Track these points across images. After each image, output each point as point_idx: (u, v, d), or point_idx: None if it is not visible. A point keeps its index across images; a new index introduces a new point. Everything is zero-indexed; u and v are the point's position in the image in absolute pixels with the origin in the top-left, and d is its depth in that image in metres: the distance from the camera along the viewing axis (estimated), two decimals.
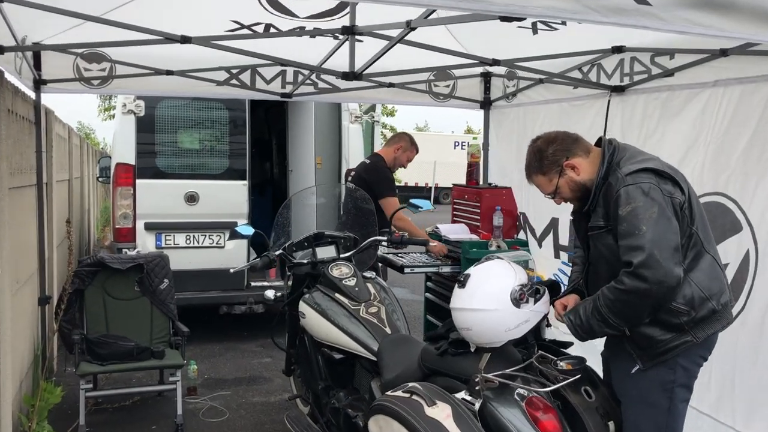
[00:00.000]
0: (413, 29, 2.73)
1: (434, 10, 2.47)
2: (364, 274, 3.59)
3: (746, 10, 2.16)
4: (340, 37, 3.47)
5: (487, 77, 5.34)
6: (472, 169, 5.19)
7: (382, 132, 18.61)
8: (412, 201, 3.71)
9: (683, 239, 2.27)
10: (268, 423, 4.24)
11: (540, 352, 2.53)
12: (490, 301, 2.36)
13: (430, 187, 24.51)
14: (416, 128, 37.28)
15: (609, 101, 3.98)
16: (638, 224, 2.19)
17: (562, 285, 2.83)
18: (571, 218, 2.69)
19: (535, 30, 3.90)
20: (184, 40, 3.27)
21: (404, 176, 23.39)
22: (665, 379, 2.35)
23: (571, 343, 2.66)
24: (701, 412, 3.12)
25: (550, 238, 4.42)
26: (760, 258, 2.94)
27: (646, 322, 2.29)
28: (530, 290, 2.40)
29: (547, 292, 2.49)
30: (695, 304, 2.27)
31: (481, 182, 5.29)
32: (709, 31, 2.16)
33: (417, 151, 4.98)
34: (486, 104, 5.43)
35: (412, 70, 4.44)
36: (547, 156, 2.46)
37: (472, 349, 2.52)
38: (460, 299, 2.44)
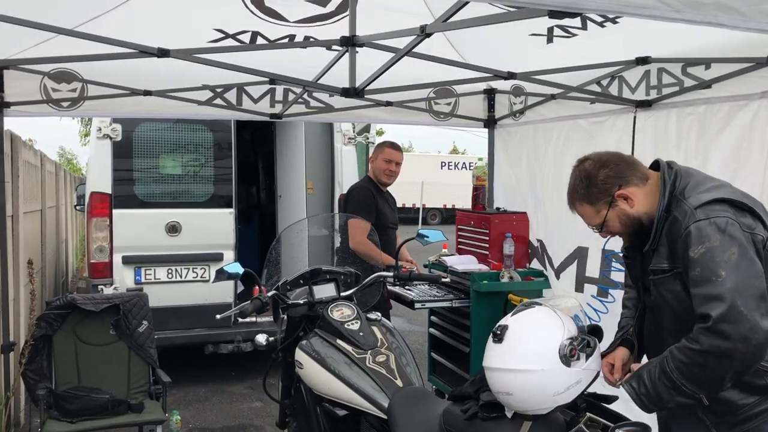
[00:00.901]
0: (428, 35, 2.33)
1: (457, 11, 2.07)
2: (368, 315, 3.17)
3: None
4: (338, 48, 3.08)
5: (491, 94, 4.97)
6: (478, 192, 4.84)
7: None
8: (420, 232, 3.30)
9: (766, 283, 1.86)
10: None
11: (588, 414, 2.12)
12: (536, 360, 1.95)
13: (418, 208, 24.17)
14: (402, 149, 37.01)
15: (635, 117, 3.60)
16: (716, 269, 1.80)
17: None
18: (623, 254, 2.29)
19: (550, 38, 3.53)
20: (162, 53, 2.87)
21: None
22: None
23: (616, 397, 2.25)
24: None
25: (572, 268, 4.00)
26: None
27: (727, 387, 1.88)
28: (581, 344, 1.99)
29: (598, 345, 2.08)
30: None
31: (487, 206, 4.90)
32: None
33: (392, 149, 4.53)
34: (490, 123, 5.05)
35: (411, 86, 4.05)
36: (596, 183, 2.07)
37: (509, 415, 2.10)
38: (497, 357, 2.01)
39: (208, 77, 4.04)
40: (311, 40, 3.64)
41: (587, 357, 2.00)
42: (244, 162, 8.06)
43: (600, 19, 3.10)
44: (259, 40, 3.59)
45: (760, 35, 2.41)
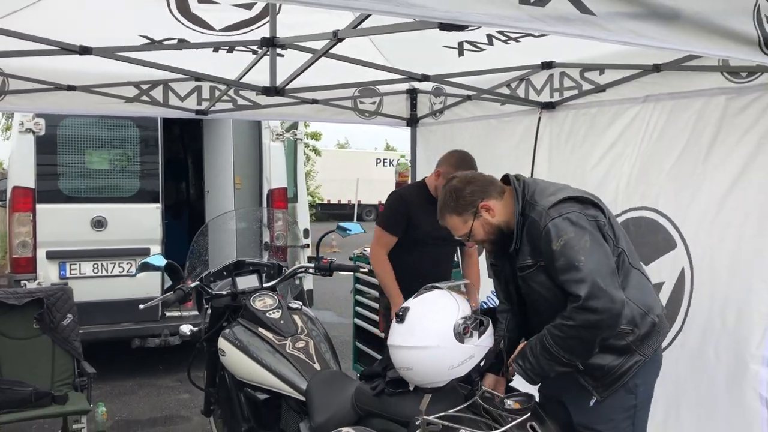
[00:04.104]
0: (341, 40, 2.51)
1: (363, 20, 2.26)
2: (290, 304, 3.33)
3: (689, 23, 2.08)
4: (259, 50, 3.22)
5: (413, 94, 5.18)
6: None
7: (305, 151, 18.35)
8: (341, 224, 3.48)
9: (613, 260, 2.21)
10: None
11: (484, 388, 2.35)
12: (432, 338, 2.16)
13: (353, 204, 24.36)
14: (338, 145, 37.10)
15: (539, 118, 3.88)
16: (576, 256, 2.10)
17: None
18: (491, 264, 2.56)
19: (461, 52, 3.78)
20: (84, 50, 2.94)
21: (327, 194, 23.13)
22: (626, 404, 2.29)
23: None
24: None
25: (482, 257, 4.26)
26: (696, 276, 2.88)
27: (596, 352, 2.18)
28: (474, 323, 2.22)
29: (491, 324, 2.31)
30: (637, 321, 2.23)
31: None
32: (653, 42, 2.06)
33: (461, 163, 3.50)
34: (413, 121, 5.26)
35: (336, 85, 4.22)
36: (464, 197, 2.35)
37: (412, 389, 2.31)
38: (399, 335, 2.22)
39: (133, 75, 4.08)
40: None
41: (480, 335, 2.22)
42: (174, 158, 8.05)
43: (504, 38, 3.35)
44: (185, 52, 3.65)
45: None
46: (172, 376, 5.60)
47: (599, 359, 2.21)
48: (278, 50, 3.25)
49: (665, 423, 2.97)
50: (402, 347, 2.20)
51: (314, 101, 4.72)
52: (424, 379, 2.20)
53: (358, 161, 24.88)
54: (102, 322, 5.25)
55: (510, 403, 2.18)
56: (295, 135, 6.31)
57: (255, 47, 3.32)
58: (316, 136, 18.07)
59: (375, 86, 4.94)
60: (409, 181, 5.20)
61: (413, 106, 5.24)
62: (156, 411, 4.83)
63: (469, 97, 4.46)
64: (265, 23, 3.54)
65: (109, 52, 2.99)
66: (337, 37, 2.49)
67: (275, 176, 5.94)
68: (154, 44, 3.65)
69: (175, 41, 3.67)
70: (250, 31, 3.60)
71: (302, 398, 2.86)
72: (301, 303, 3.40)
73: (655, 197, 3.13)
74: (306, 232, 6.24)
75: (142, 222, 5.48)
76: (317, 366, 2.97)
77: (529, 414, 2.18)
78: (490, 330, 2.29)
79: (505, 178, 2.44)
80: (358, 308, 5.04)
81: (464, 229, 2.37)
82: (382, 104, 5.12)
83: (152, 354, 5.97)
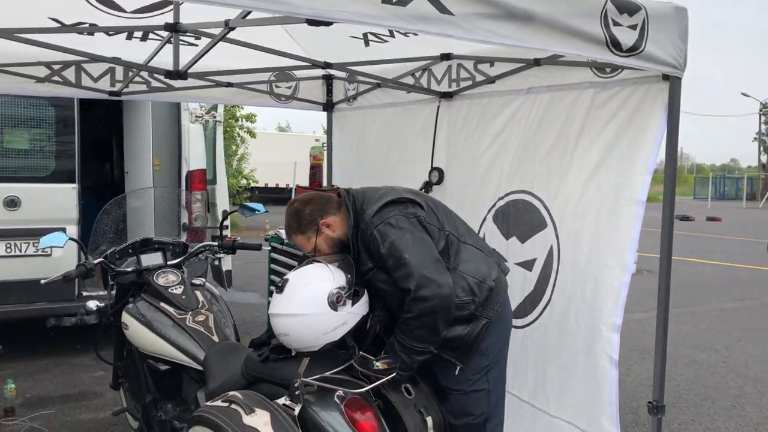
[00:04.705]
0: (232, 29, 2.67)
1: (249, 12, 2.42)
2: (193, 281, 3.47)
3: (543, 23, 2.32)
4: (164, 34, 3.33)
5: (329, 80, 5.36)
6: (314, 171, 5.24)
7: (239, 134, 18.06)
8: (245, 204, 3.64)
9: (442, 243, 2.49)
10: None
11: (361, 353, 2.56)
12: (307, 306, 2.36)
13: (291, 188, 24.34)
14: (278, 128, 36.83)
15: (438, 106, 4.12)
16: (400, 255, 2.37)
17: None
18: None
19: (367, 42, 3.97)
20: None
21: (264, 177, 23.00)
22: (481, 365, 2.56)
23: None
24: (522, 399, 3.32)
25: None
26: (562, 253, 3.17)
27: (444, 334, 2.43)
28: (348, 293, 2.42)
29: (366, 293, 2.52)
30: (475, 290, 2.49)
31: (324, 184, 5.31)
32: (508, 41, 2.30)
33: None
34: (329, 106, 5.44)
35: (251, 70, 4.35)
36: (304, 216, 2.60)
37: (294, 355, 2.50)
38: (278, 305, 2.42)
39: (45, 55, 4.08)
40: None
41: (353, 303, 2.44)
42: (98, 139, 7.99)
43: (404, 30, 3.54)
44: (97, 33, 3.71)
45: None
46: (89, 354, 5.62)
47: (452, 332, 2.47)
48: (189, 38, 3.37)
49: (535, 389, 3.27)
50: (280, 315, 2.40)
51: (229, 84, 4.83)
52: (300, 344, 2.41)
53: (296, 145, 24.77)
54: (16, 302, 5.24)
55: (378, 364, 2.40)
56: (215, 117, 6.39)
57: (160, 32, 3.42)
58: (250, 118, 17.90)
59: (291, 71, 5.09)
60: (324, 165, 5.38)
61: (329, 91, 5.41)
62: (69, 388, 4.89)
63: (378, 85, 4.67)
64: (171, 9, 3.64)
65: (7, 33, 3.04)
66: (228, 26, 2.63)
67: (194, 158, 6.02)
68: (64, 27, 3.70)
69: (86, 25, 3.73)
70: (163, 13, 3.69)
71: (200, 368, 3.02)
72: (204, 280, 3.55)
73: (531, 181, 3.40)
74: (225, 213, 6.33)
75: (57, 202, 5.47)
76: (216, 338, 3.13)
77: (395, 373, 2.41)
78: (365, 299, 2.50)
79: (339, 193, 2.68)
80: (272, 287, 5.20)
81: (309, 245, 2.63)
82: (298, 89, 5.27)
83: (70, 334, 5.99)
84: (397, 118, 4.54)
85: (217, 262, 6.02)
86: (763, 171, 48.08)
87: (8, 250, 5.33)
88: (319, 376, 2.39)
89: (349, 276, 2.47)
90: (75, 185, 5.56)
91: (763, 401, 4.89)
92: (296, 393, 2.36)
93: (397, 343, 2.45)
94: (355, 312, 2.44)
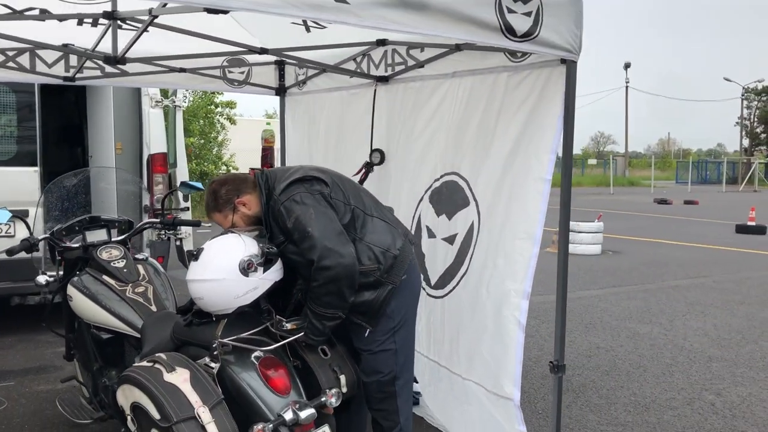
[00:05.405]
0: (155, 17, 2.86)
1: (167, 2, 2.60)
2: (137, 255, 3.67)
3: (437, 11, 2.51)
4: (104, 21, 3.50)
5: (281, 65, 5.53)
6: (266, 153, 5.38)
7: (219, 120, 18.06)
8: (184, 182, 3.83)
9: (347, 217, 2.70)
10: (50, 409, 4.19)
11: (278, 317, 2.78)
12: (219, 272, 2.57)
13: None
14: (266, 115, 36.76)
15: (375, 90, 4.31)
16: (304, 228, 2.57)
17: None
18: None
19: (307, 28, 4.16)
20: None
21: (242, 163, 23.05)
22: (388, 327, 2.78)
23: None
24: (440, 365, 3.55)
25: None
26: (481, 229, 3.39)
27: (352, 300, 2.63)
28: (260, 260, 2.63)
29: (280, 261, 2.73)
30: (380, 259, 2.70)
31: (276, 166, 5.50)
32: (404, 28, 2.49)
33: None
34: (281, 91, 5.62)
35: (197, 55, 4.52)
36: (221, 196, 2.80)
37: (215, 319, 2.72)
38: (193, 271, 2.63)
39: None
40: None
41: (264, 270, 2.65)
42: (68, 123, 8.12)
43: (301, 19, 3.72)
44: (38, 14, 3.86)
45: None
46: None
47: (360, 298, 2.69)
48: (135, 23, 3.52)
49: (450, 355, 3.50)
50: (195, 281, 2.61)
51: (182, 70, 5.00)
52: (214, 307, 2.62)
53: (274, 130, 24.76)
54: None
55: (288, 325, 2.63)
56: (174, 102, 6.56)
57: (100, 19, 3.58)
58: (231, 104, 18.05)
59: (243, 56, 5.26)
60: (276, 148, 5.57)
61: (281, 76, 5.58)
62: (31, 362, 5.09)
63: (324, 70, 4.86)
64: None
65: None
66: (151, 14, 2.82)
67: (155, 142, 6.19)
68: (15, 14, 3.86)
69: (36, 11, 3.88)
70: (107, 1, 3.85)
71: (139, 336, 3.23)
72: (147, 255, 3.74)
73: (459, 163, 3.61)
74: (186, 196, 6.52)
75: (19, 185, 5.63)
76: (154, 308, 3.34)
77: (303, 333, 2.64)
78: (277, 266, 2.71)
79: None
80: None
81: (227, 223, 2.83)
82: (251, 74, 5.43)
83: (34, 312, 6.18)
84: (343, 102, 4.74)
85: (179, 242, 6.22)
86: (745, 155, 48.67)
87: None
88: (235, 337, 2.61)
89: (261, 245, 2.67)
90: (37, 168, 5.72)
91: (692, 369, 5.16)
92: (215, 353, 2.59)
93: (309, 311, 2.65)
94: (267, 278, 2.65)
